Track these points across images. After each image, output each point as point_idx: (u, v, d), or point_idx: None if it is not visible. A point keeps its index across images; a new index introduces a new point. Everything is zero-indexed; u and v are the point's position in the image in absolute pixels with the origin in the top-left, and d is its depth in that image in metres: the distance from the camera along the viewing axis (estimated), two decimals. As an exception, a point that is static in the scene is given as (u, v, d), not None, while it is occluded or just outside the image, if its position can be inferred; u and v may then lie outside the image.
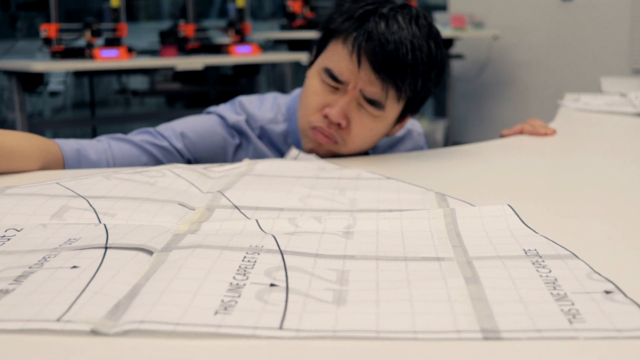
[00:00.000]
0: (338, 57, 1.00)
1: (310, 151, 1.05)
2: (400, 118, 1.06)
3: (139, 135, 1.08)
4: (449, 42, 4.46)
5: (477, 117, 4.81)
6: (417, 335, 0.40)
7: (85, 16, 5.54)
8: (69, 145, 1.02)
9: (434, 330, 0.41)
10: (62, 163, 1.00)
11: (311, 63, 1.08)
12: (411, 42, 0.97)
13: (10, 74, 3.13)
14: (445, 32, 4.30)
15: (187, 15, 3.52)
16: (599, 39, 4.08)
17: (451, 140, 4.51)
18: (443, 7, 5.09)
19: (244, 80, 4.03)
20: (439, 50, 1.02)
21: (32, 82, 3.20)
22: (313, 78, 1.04)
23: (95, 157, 1.03)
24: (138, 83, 6.73)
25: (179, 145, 1.07)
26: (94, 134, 4.46)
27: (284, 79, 3.83)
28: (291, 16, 3.89)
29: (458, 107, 4.77)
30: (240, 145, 1.12)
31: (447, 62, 1.04)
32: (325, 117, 1.01)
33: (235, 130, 1.11)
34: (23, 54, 3.73)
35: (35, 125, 3.40)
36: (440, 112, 4.71)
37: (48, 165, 0.97)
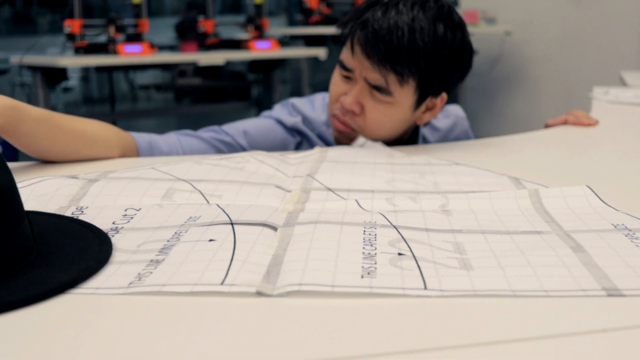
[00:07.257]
0: (346, 49, 1.06)
1: (335, 139, 1.11)
2: (420, 101, 1.05)
3: (206, 133, 1.14)
4: (461, 37, 4.49)
5: (489, 112, 4.86)
6: (549, 293, 0.46)
7: (94, 11, 5.57)
8: (141, 136, 1.06)
9: (562, 289, 0.46)
10: (136, 152, 1.05)
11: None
12: (409, 26, 0.98)
13: (34, 69, 3.18)
14: (458, 27, 4.34)
15: (207, 12, 3.56)
16: (610, 34, 4.12)
17: (463, 134, 4.55)
18: (455, 3, 5.13)
19: (261, 75, 4.08)
20: (450, 30, 1.01)
21: (54, 77, 3.25)
22: (335, 71, 1.09)
23: (167, 149, 1.07)
24: (145, 78, 6.79)
25: (243, 142, 1.14)
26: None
27: (300, 75, 3.87)
28: (308, 12, 3.94)
29: (470, 101, 4.81)
30: (301, 143, 1.19)
31: (466, 40, 1.04)
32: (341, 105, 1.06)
33: (295, 130, 1.18)
34: (39, 50, 3.78)
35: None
36: (452, 106, 4.75)
37: (124, 153, 1.02)
